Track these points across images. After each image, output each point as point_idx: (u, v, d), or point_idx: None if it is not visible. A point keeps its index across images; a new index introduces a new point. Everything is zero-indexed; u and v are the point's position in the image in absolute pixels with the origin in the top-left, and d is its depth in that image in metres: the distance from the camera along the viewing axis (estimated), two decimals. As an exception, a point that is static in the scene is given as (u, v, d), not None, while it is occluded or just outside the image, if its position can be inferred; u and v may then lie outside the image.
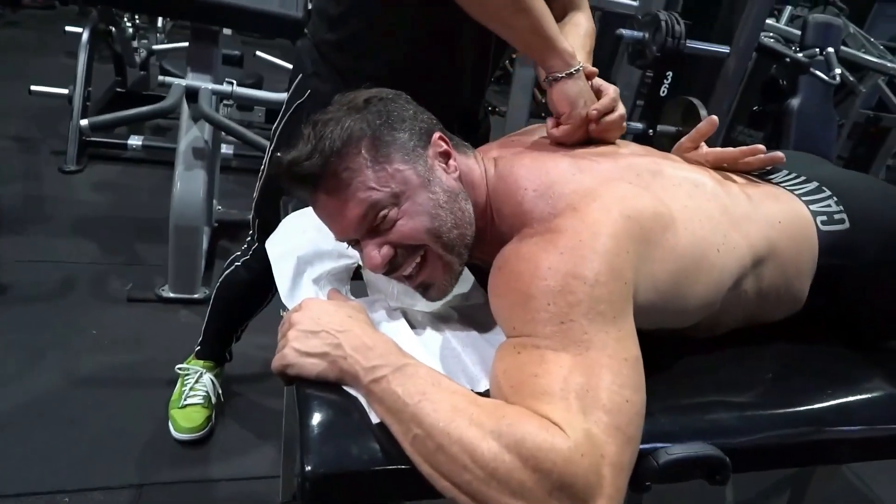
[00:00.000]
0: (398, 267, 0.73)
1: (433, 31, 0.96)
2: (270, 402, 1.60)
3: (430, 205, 0.70)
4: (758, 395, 0.76)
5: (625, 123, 0.87)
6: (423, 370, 0.58)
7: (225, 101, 1.84)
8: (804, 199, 0.84)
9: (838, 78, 2.61)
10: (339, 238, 0.75)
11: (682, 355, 0.78)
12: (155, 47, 3.40)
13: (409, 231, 0.70)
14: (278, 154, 1.10)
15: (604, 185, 0.71)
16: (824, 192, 0.85)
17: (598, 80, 0.88)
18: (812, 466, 1.11)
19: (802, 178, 0.88)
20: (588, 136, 0.86)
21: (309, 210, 0.92)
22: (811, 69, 2.56)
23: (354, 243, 0.75)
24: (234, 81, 1.67)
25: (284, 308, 0.78)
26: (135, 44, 3.27)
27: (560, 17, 0.99)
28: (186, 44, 2.62)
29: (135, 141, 2.58)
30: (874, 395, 0.81)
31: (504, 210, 0.74)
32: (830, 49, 2.69)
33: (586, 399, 0.54)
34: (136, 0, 1.65)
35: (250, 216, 1.28)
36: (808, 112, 2.84)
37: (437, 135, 0.75)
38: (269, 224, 1.22)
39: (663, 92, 2.29)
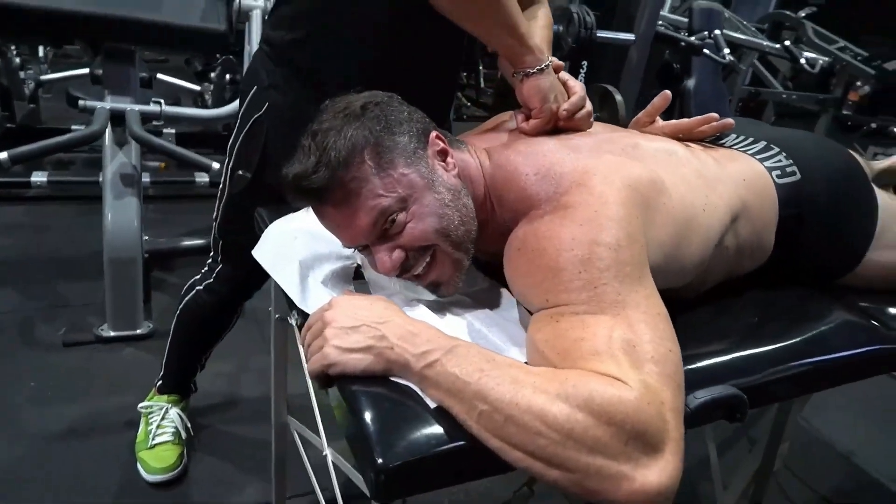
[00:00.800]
0: (409, 268, 0.73)
1: (406, 26, 0.96)
2: (242, 429, 1.53)
3: (437, 205, 0.72)
4: (751, 339, 0.82)
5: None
6: (474, 349, 0.59)
7: (155, 123, 1.74)
8: (758, 157, 0.92)
9: (728, 57, 2.84)
10: (348, 245, 0.75)
11: (678, 313, 0.83)
12: (44, 77, 3.15)
13: (420, 233, 0.71)
14: (239, 172, 1.07)
15: (597, 160, 0.75)
16: (773, 149, 0.93)
17: (564, 75, 0.92)
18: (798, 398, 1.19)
19: (751, 139, 0.97)
20: (556, 128, 0.89)
21: (293, 216, 0.91)
22: (704, 51, 2.77)
23: (363, 248, 0.75)
24: (162, 101, 1.58)
25: (297, 314, 0.77)
26: (21, 74, 3.03)
27: (521, 9, 1.02)
28: (85, 70, 2.46)
29: (38, 178, 2.39)
30: (836, 324, 0.90)
31: (507, 197, 0.76)
32: (717, 31, 2.93)
33: (634, 354, 0.57)
34: (49, 27, 1.52)
35: (210, 239, 1.23)
36: (704, 90, 3.07)
37: (433, 134, 0.76)
38: (234, 244, 1.19)
39: (580, 80, 2.40)
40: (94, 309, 1.84)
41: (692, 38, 2.89)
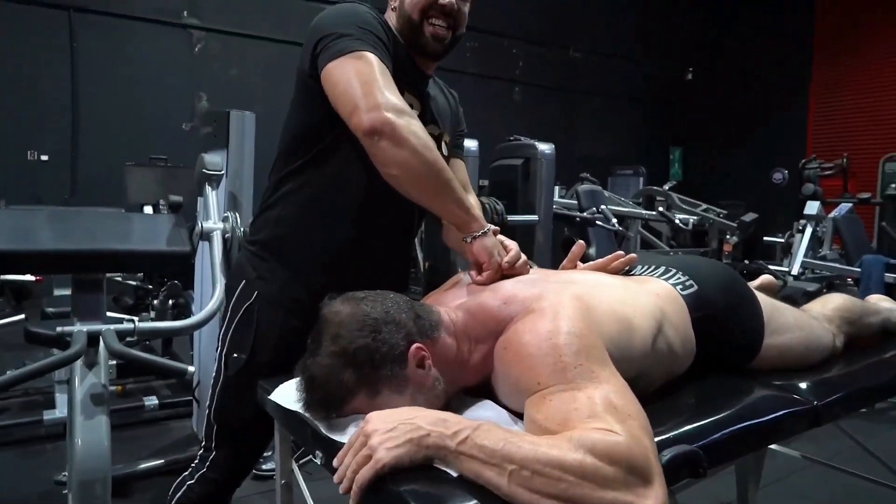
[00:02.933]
0: None
1: (371, 213, 1.19)
2: None
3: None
4: (695, 414, 1.00)
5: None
6: (495, 426, 0.74)
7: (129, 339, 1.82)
8: (662, 277, 1.17)
9: (616, 224, 3.34)
10: None
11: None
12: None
13: None
14: (234, 355, 1.20)
15: (546, 287, 0.98)
16: (672, 270, 1.19)
17: (500, 237, 1.15)
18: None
19: (653, 266, 1.23)
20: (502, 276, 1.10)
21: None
22: (597, 222, 3.26)
23: None
24: (136, 318, 1.70)
25: (321, 453, 0.87)
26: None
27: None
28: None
29: (-24, 425, 2.31)
30: (755, 396, 1.10)
31: (484, 330, 0.95)
32: (603, 206, 3.47)
33: (616, 413, 0.74)
34: (19, 263, 1.66)
35: (203, 430, 1.29)
36: (603, 256, 3.52)
37: (414, 347, 0.88)
38: (229, 427, 1.26)
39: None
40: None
41: (584, 214, 3.40)
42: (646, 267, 1.24)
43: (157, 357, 1.67)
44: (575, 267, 1.24)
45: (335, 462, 0.77)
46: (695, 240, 4.97)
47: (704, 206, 5.00)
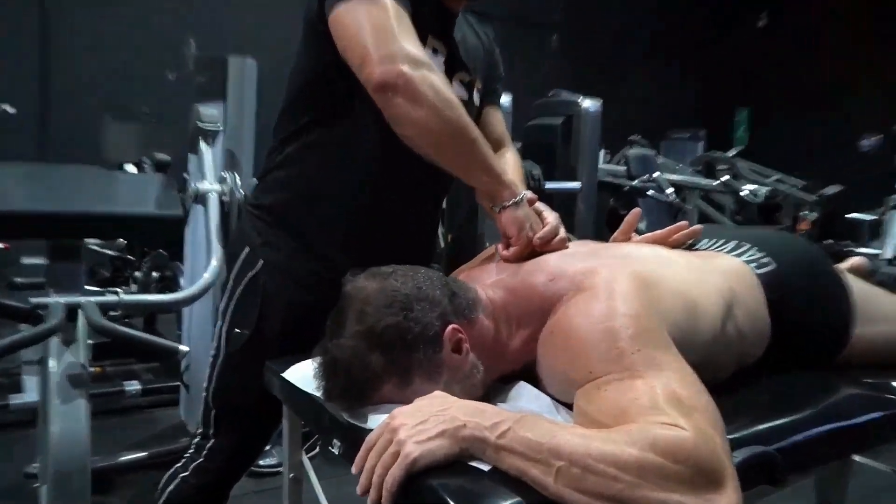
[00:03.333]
0: None
1: (391, 176, 1.21)
2: None
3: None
4: (768, 412, 1.00)
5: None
6: (540, 417, 0.75)
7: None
8: (733, 254, 1.16)
9: (673, 195, 3.31)
10: None
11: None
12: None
13: None
14: (237, 331, 1.23)
15: (597, 262, 0.98)
16: (745, 245, 1.18)
17: (539, 205, 1.16)
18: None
19: (721, 240, 1.22)
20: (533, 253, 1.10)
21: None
22: (648, 192, 3.23)
23: None
24: (120, 290, 1.74)
25: (339, 442, 0.89)
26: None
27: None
28: None
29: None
30: (842, 394, 1.10)
31: (528, 310, 0.96)
32: (657, 174, 3.44)
33: (681, 406, 0.74)
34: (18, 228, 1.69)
35: (200, 414, 1.33)
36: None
37: (450, 329, 0.89)
38: (229, 410, 1.30)
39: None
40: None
41: (635, 183, 3.37)
42: (713, 241, 1.23)
43: (143, 334, 1.70)
44: (629, 239, 1.24)
45: (353, 469, 0.77)
46: (764, 215, 4.89)
47: (777, 175, 4.93)
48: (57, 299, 1.67)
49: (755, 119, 9.05)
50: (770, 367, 1.12)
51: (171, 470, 1.36)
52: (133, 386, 2.73)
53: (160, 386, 2.82)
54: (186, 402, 2.55)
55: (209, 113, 2.11)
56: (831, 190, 4.57)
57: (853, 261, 1.66)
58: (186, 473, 1.33)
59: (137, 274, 3.20)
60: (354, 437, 0.84)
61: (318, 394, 0.91)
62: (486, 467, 0.73)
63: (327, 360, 0.89)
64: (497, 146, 1.33)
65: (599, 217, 4.16)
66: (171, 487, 1.34)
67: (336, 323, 0.90)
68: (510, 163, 1.31)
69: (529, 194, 1.13)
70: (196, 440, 1.36)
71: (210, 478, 1.32)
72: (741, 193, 4.15)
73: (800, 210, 4.71)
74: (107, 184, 2.08)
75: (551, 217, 1.13)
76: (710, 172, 5.12)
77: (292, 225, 1.23)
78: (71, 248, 1.87)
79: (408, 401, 0.83)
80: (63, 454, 1.68)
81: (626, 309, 0.84)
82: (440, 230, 3.23)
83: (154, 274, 3.16)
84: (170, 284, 3.14)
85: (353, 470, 0.77)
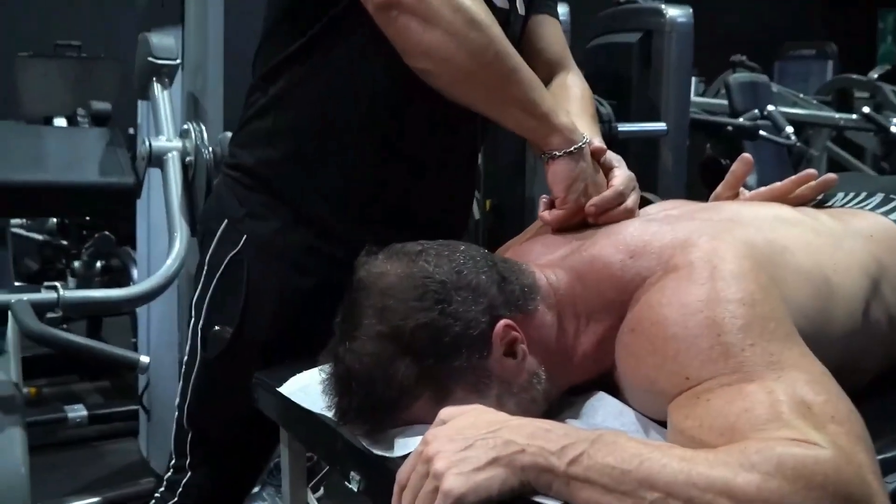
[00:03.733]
0: None
1: (412, 130, 1.22)
2: None
3: None
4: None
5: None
6: (622, 436, 0.76)
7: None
8: (879, 211, 1.16)
9: (792, 136, 3.27)
10: None
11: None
12: None
13: None
14: (215, 328, 1.26)
15: (698, 227, 0.98)
16: (893, 199, 1.18)
17: (611, 158, 1.16)
18: None
19: (864, 193, 1.22)
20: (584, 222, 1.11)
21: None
22: (761, 132, 3.19)
23: None
24: (58, 285, 1.77)
25: (358, 476, 0.91)
26: None
27: (546, 79, 1.29)
28: None
29: None
30: None
31: (600, 299, 0.97)
32: (771, 107, 3.39)
33: (812, 416, 0.74)
34: None
35: (172, 439, 1.36)
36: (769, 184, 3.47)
37: (500, 325, 0.90)
38: (210, 437, 1.33)
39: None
40: None
41: (740, 120, 3.34)
42: (850, 196, 1.24)
43: (94, 342, 1.75)
44: (737, 195, 1.25)
45: (394, 502, 0.78)
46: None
47: (938, 102, 4.83)
48: (-24, 297, 1.72)
49: (905, 26, 8.86)
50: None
51: None
52: (77, 412, 2.80)
53: (112, 411, 2.89)
54: (147, 430, 2.60)
55: (163, 44, 2.11)
56: None
57: None
58: None
59: (76, 265, 3.26)
60: (379, 469, 0.86)
61: (329, 414, 0.93)
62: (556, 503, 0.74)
63: (340, 372, 0.90)
64: (553, 70, 1.34)
65: (693, 169, 4.14)
66: None
67: (349, 320, 0.91)
68: (573, 93, 1.30)
69: (597, 142, 1.14)
70: (168, 475, 1.38)
71: None
72: (892, 129, 4.06)
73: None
74: (29, 144, 2.10)
75: (621, 177, 1.13)
76: (845, 103, 5.02)
77: (283, 189, 1.24)
78: (-9, 231, 1.92)
79: None
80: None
81: (734, 293, 0.84)
82: (476, 195, 3.24)
83: (98, 264, 3.21)
84: (118, 276, 3.20)
85: None
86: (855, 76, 5.22)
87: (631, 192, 1.12)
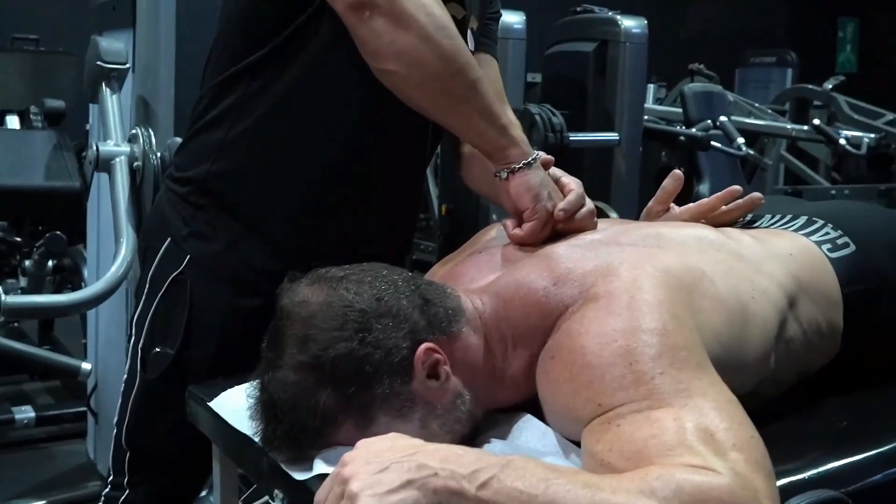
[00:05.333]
0: None
1: (368, 128, 1.21)
2: None
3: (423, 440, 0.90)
4: (847, 444, 1.03)
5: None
6: (531, 461, 0.77)
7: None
8: (801, 233, 1.19)
9: (744, 147, 3.32)
10: None
11: (755, 421, 1.04)
12: None
13: None
14: (156, 350, 1.25)
15: (620, 254, 1.01)
16: (816, 222, 1.21)
17: (555, 171, 1.17)
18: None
19: (789, 216, 1.25)
20: (553, 232, 1.12)
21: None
22: (712, 143, 3.23)
23: None
24: None
25: (281, 493, 0.93)
26: None
27: None
28: None
29: None
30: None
31: (526, 324, 0.98)
32: (724, 118, 3.44)
33: (714, 443, 0.77)
34: None
35: (110, 458, 1.35)
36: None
37: (422, 349, 0.91)
38: (150, 456, 1.31)
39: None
40: None
41: (693, 130, 3.38)
42: (777, 217, 1.26)
43: (35, 348, 1.74)
44: (667, 210, 1.28)
45: None
46: (874, 171, 4.88)
47: (890, 115, 4.90)
48: None
49: (865, 33, 8.98)
50: (837, 377, 1.15)
51: None
52: (25, 413, 2.77)
53: (61, 413, 2.86)
54: (95, 433, 2.57)
55: (112, 48, 2.10)
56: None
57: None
58: None
59: (27, 263, 3.22)
60: (301, 489, 0.87)
61: (256, 438, 0.93)
62: None
63: (265, 400, 0.91)
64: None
65: (647, 178, 4.19)
66: None
67: (273, 349, 0.92)
68: (513, 119, 1.32)
69: (543, 155, 1.15)
70: (106, 491, 1.37)
71: None
72: (840, 142, 4.13)
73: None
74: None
75: (572, 183, 1.14)
76: (802, 112, 5.09)
77: (233, 204, 1.23)
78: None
79: None
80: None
81: (648, 323, 0.86)
82: (433, 197, 3.25)
83: (49, 263, 3.17)
84: (70, 277, 3.15)
85: None
86: (811, 86, 5.30)
87: (585, 196, 1.14)
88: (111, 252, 2.00)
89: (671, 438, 0.77)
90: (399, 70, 1.07)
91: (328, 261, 0.99)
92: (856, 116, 4.70)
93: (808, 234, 1.18)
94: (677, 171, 1.27)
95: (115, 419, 1.33)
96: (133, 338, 1.29)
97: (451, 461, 0.77)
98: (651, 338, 0.85)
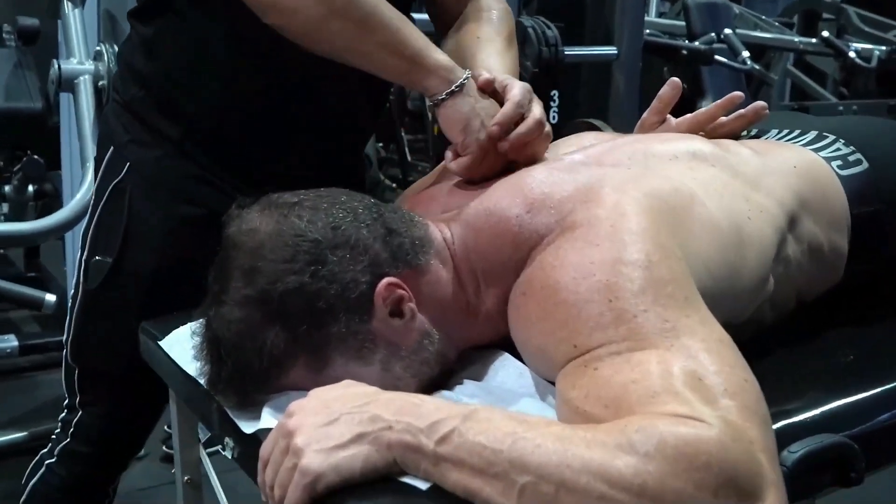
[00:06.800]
0: None
1: (289, 60, 1.10)
2: None
3: (385, 384, 0.83)
4: (852, 382, 0.95)
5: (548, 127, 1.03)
6: (497, 411, 0.70)
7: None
8: (809, 147, 1.10)
9: (749, 61, 3.19)
10: None
11: (749, 356, 0.96)
12: None
13: None
14: (96, 258, 1.20)
15: (602, 177, 0.91)
16: (827, 137, 1.12)
17: (502, 80, 1.04)
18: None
19: (797, 130, 1.16)
20: (507, 161, 1.02)
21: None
22: (715, 57, 3.11)
23: None
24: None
25: (232, 441, 0.85)
26: None
27: (455, 16, 1.21)
28: None
29: None
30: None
31: (498, 257, 0.89)
32: (728, 30, 3.30)
33: (702, 388, 0.68)
34: None
35: (62, 378, 1.30)
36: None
37: (383, 284, 0.83)
38: (96, 367, 1.27)
39: (553, 118, 2.64)
40: None
41: (696, 44, 3.24)
42: (784, 132, 1.17)
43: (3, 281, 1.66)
44: (663, 121, 1.18)
45: (259, 478, 0.74)
46: (882, 85, 4.74)
47: (901, 27, 4.75)
48: None
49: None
50: (840, 311, 1.08)
51: (38, 457, 1.34)
52: (8, 342, 2.71)
53: (46, 342, 2.79)
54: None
55: (75, -42, 1.99)
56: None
57: None
58: (53, 461, 1.31)
59: (7, 188, 3.13)
60: (251, 439, 0.81)
61: (202, 379, 0.87)
62: (423, 485, 0.68)
63: (209, 338, 0.84)
64: (461, 6, 1.23)
65: (648, 94, 4.06)
66: (34, 480, 1.32)
67: (218, 281, 0.85)
68: (487, 15, 1.20)
69: (483, 75, 1.03)
70: (62, 415, 1.33)
71: (81, 467, 1.29)
72: (850, 55, 3.98)
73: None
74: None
75: (515, 90, 1.01)
76: (810, 25, 4.93)
77: (160, 104, 1.17)
78: None
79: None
80: None
81: (630, 254, 0.78)
82: (430, 115, 3.15)
83: (29, 188, 3.09)
84: (52, 201, 3.08)
85: (259, 479, 0.74)
86: (821, -2, 5.11)
87: (530, 102, 1.01)
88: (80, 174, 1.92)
89: (655, 384, 0.69)
90: (281, 22, 0.99)
91: (273, 179, 0.93)
92: (866, 29, 4.53)
93: (817, 150, 1.09)
94: (675, 80, 1.18)
95: (63, 336, 1.28)
96: (79, 251, 1.24)
97: (407, 412, 0.69)
98: (633, 271, 0.76)
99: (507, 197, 0.91)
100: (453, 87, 0.99)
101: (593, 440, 0.64)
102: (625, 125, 2.95)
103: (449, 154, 1.03)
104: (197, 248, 0.90)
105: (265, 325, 0.81)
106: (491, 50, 1.11)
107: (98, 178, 1.22)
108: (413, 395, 0.73)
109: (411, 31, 1.00)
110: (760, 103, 1.15)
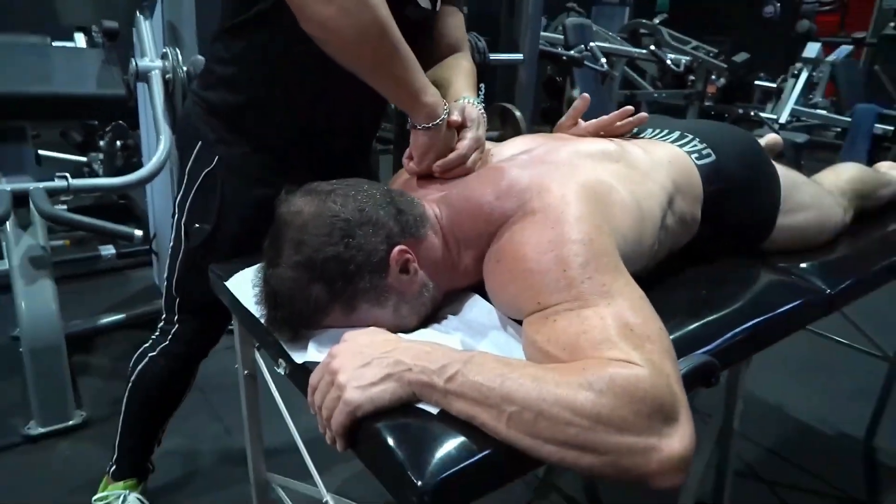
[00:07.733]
0: None
1: (334, 85, 0.98)
2: (212, 499, 1.44)
3: (397, 324, 0.76)
4: (706, 309, 0.89)
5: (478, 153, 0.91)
6: (489, 356, 0.61)
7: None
8: (676, 144, 1.01)
9: (605, 65, 3.06)
10: None
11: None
12: None
13: None
14: (196, 226, 1.07)
15: (548, 170, 0.81)
16: (687, 136, 1.03)
17: (468, 117, 0.92)
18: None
19: (665, 130, 1.06)
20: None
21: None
22: (585, 63, 2.97)
23: None
24: (68, 175, 1.48)
25: (284, 363, 0.75)
26: None
27: (445, 56, 1.07)
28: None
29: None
30: (767, 285, 1.00)
31: (473, 230, 0.80)
32: (593, 44, 3.15)
33: (632, 337, 0.61)
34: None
35: (163, 301, 1.19)
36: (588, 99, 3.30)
37: (396, 251, 0.74)
38: (193, 299, 1.17)
39: (480, 101, 2.49)
40: (14, 408, 1.67)
41: (573, 53, 3.09)
42: (657, 131, 1.07)
43: (96, 220, 1.48)
44: (575, 124, 1.06)
45: (308, 398, 0.66)
46: (678, 81, 4.68)
47: (694, 42, 4.65)
48: (4, 186, 1.43)
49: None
50: (696, 255, 1.01)
51: (140, 350, 1.24)
52: (108, 251, 2.52)
53: (135, 249, 2.61)
54: (158, 266, 2.37)
55: (144, -18, 1.73)
56: (740, 58, 4.34)
57: (768, 138, 1.54)
58: (154, 354, 1.21)
59: (101, 144, 2.85)
60: (296, 366, 0.72)
61: (261, 318, 0.77)
62: (435, 410, 0.61)
63: (267, 291, 0.75)
64: (452, 51, 1.09)
65: (538, 85, 3.91)
66: (141, 366, 1.22)
67: (273, 249, 0.75)
68: (463, 68, 1.06)
69: (454, 116, 0.91)
70: (161, 325, 1.22)
71: (175, 360, 1.21)
72: (667, 62, 3.88)
73: (710, 76, 4.51)
74: (46, 60, 1.72)
75: (466, 142, 0.90)
76: (635, 40, 4.81)
77: (242, 128, 1.03)
78: (15, 130, 1.58)
79: (354, 326, 0.72)
80: (34, 333, 1.53)
81: (577, 234, 0.70)
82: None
83: (118, 143, 2.82)
84: (133, 153, 2.82)
85: (309, 400, 0.66)
86: (644, 21, 4.96)
87: (473, 152, 0.90)
88: (155, 140, 1.72)
89: (598, 335, 0.62)
90: (322, 36, 0.84)
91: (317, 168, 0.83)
92: (673, 43, 4.43)
93: (681, 146, 1.00)
94: (586, 95, 1.05)
95: (165, 275, 1.16)
96: (177, 216, 1.10)
97: (423, 358, 0.61)
98: (579, 248, 0.68)
99: (480, 187, 0.82)
100: (430, 125, 0.88)
101: (560, 380, 0.57)
102: (526, 106, 2.84)
103: (405, 159, 0.92)
104: (266, 221, 0.78)
105: (310, 283, 0.72)
106: (461, 88, 0.99)
107: (189, 164, 1.07)
108: (426, 345, 0.64)
109: (418, 72, 0.87)
110: (644, 114, 1.05)
